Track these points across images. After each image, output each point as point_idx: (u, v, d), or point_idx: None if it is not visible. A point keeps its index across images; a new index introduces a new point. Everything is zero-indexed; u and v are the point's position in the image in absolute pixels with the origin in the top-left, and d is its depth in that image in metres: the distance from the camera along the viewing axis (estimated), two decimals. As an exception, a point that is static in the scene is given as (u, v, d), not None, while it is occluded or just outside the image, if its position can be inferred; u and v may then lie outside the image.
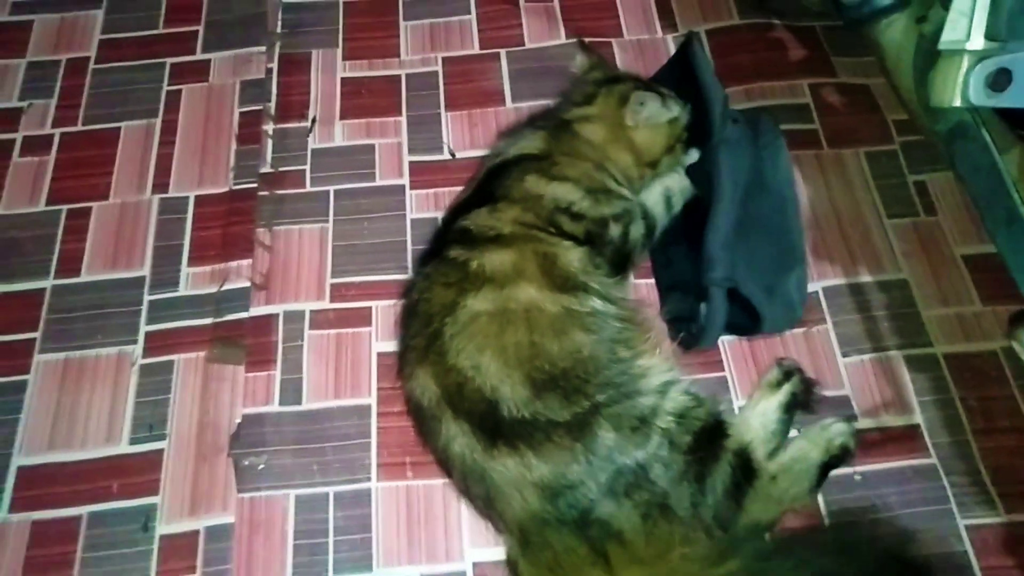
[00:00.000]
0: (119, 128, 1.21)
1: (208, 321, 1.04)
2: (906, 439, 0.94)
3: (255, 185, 1.15)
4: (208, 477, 0.94)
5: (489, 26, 1.29)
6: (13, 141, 1.20)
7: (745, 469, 0.81)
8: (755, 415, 0.89)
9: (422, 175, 1.15)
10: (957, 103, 0.74)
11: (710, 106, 0.98)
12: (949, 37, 0.74)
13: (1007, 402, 0.95)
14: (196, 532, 0.91)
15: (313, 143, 1.19)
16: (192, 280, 1.08)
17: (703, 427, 0.81)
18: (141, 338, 1.03)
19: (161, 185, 1.16)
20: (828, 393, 0.96)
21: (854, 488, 0.90)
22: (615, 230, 0.94)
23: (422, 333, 0.85)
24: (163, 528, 0.91)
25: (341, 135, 1.20)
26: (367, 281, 1.07)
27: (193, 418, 0.98)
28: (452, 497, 0.90)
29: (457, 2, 1.32)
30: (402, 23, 1.31)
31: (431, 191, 1.14)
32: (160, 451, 0.96)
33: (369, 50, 1.28)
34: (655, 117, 0.97)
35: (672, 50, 1.23)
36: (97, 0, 1.34)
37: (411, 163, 1.17)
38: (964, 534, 0.88)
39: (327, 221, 1.12)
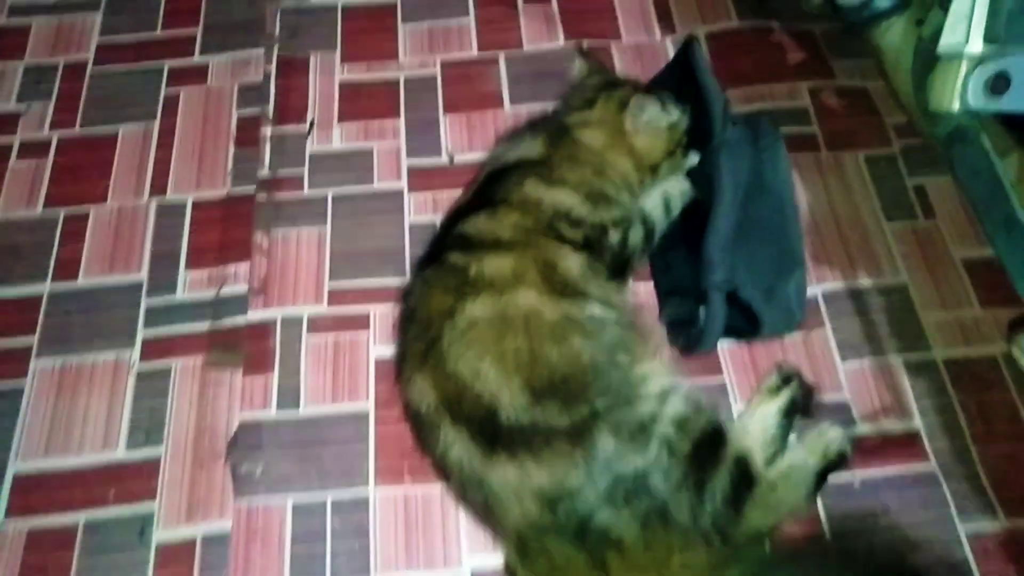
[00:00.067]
0: (117, 131, 1.21)
1: (206, 326, 1.04)
2: (905, 444, 0.93)
3: (253, 189, 1.14)
4: (205, 483, 0.94)
5: (487, 29, 1.29)
6: (10, 144, 1.20)
7: (744, 477, 0.81)
8: (754, 420, 0.89)
9: (420, 179, 1.15)
10: (956, 107, 0.74)
11: (710, 108, 0.97)
12: (948, 41, 0.73)
13: (1007, 407, 0.95)
14: (193, 539, 0.91)
15: (311, 147, 1.19)
16: (190, 285, 1.07)
17: (703, 435, 0.80)
18: (138, 343, 1.03)
19: (159, 189, 1.15)
20: (827, 398, 0.96)
21: (853, 494, 0.90)
22: (614, 236, 0.94)
23: (420, 339, 0.85)
24: (160, 535, 0.91)
25: (339, 139, 1.19)
26: (365, 286, 1.06)
27: (190, 424, 0.97)
28: (451, 503, 0.90)
29: (455, 5, 1.32)
30: (400, 26, 1.30)
31: (429, 195, 1.13)
32: (157, 457, 0.95)
33: (367, 53, 1.27)
34: (655, 122, 0.97)
35: (671, 53, 1.22)
36: (95, 3, 1.34)
37: (409, 167, 1.16)
38: (964, 540, 0.87)
39: (325, 225, 1.11)
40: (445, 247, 0.91)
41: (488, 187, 0.96)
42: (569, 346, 0.81)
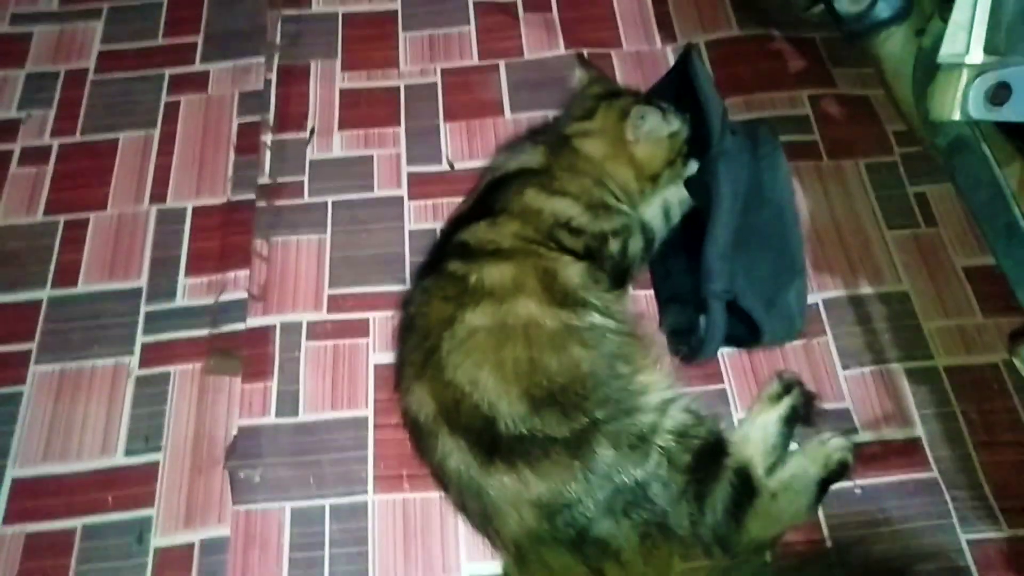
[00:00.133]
0: (117, 139, 1.21)
1: (205, 332, 1.04)
2: (907, 453, 0.93)
3: (253, 196, 1.14)
4: (204, 489, 0.93)
5: (488, 37, 1.29)
6: (11, 151, 1.20)
7: (745, 487, 0.80)
8: (755, 429, 0.88)
9: (420, 186, 1.15)
10: (956, 117, 0.74)
11: (709, 117, 0.97)
12: (948, 50, 0.73)
13: (1009, 415, 0.95)
14: (191, 545, 0.90)
15: (311, 154, 1.19)
16: (189, 291, 1.07)
17: (703, 446, 0.80)
18: (137, 349, 1.03)
19: (159, 196, 1.16)
20: (828, 406, 0.96)
21: (855, 502, 0.90)
22: (614, 245, 0.94)
23: (419, 347, 0.85)
24: (158, 541, 0.91)
25: (339, 146, 1.20)
26: (365, 293, 1.06)
27: (189, 430, 0.97)
28: (449, 511, 0.90)
29: (456, 13, 1.32)
30: (401, 34, 1.31)
31: (429, 202, 1.13)
32: (156, 463, 0.95)
33: (368, 61, 1.28)
34: (656, 131, 0.97)
35: (671, 61, 1.22)
36: (97, 11, 1.34)
37: (410, 174, 1.16)
38: (966, 549, 0.87)
39: (325, 232, 1.11)
40: (445, 255, 0.91)
41: (489, 196, 0.96)
42: (569, 356, 0.81)
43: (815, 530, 0.88)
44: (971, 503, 0.89)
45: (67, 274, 1.09)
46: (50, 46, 1.31)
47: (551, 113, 1.06)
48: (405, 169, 1.17)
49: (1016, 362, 0.74)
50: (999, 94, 0.70)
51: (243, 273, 1.08)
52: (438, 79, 1.26)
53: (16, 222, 1.14)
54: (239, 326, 1.04)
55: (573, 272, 0.88)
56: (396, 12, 1.33)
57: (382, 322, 1.03)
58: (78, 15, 1.34)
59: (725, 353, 1.00)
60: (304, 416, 0.98)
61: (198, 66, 1.28)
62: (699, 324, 0.92)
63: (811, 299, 1.02)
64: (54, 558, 0.90)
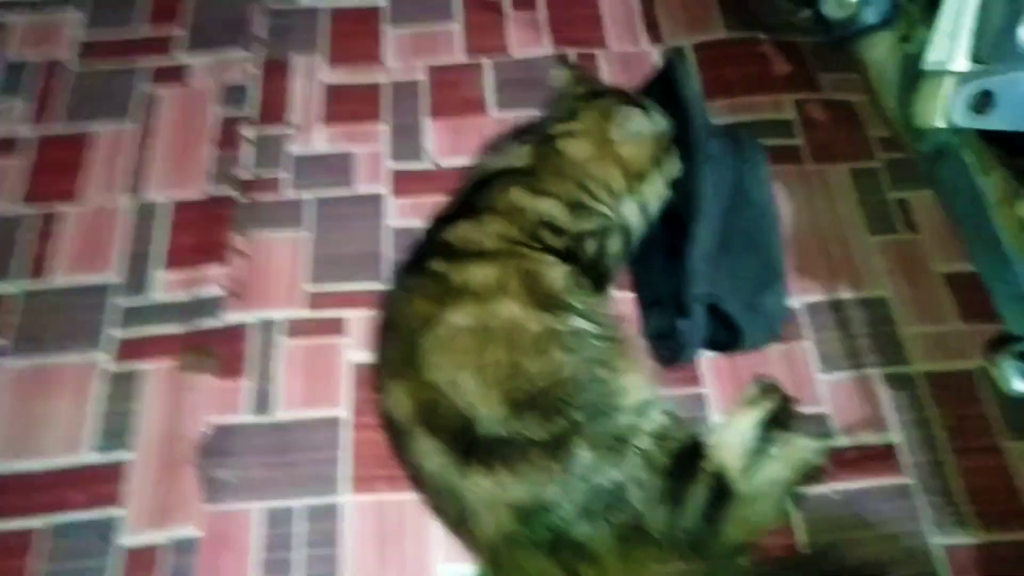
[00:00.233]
0: (96, 130, 1.19)
1: (180, 328, 1.02)
2: (883, 458, 0.93)
3: (233, 190, 1.13)
4: (175, 488, 0.92)
5: (474, 35, 1.28)
6: (-13, 141, 1.18)
7: (722, 491, 0.80)
8: (732, 433, 0.88)
9: (403, 183, 1.14)
10: (940, 124, 0.75)
11: (692, 121, 0.97)
12: (933, 57, 0.74)
13: (984, 422, 0.95)
14: (162, 544, 0.89)
15: (293, 149, 1.18)
16: (166, 286, 1.06)
17: (681, 448, 0.80)
18: (112, 344, 1.01)
19: (137, 189, 1.14)
20: (806, 410, 0.95)
21: (832, 507, 0.90)
22: (591, 245, 0.93)
23: (398, 347, 0.84)
24: (127, 540, 0.89)
25: (322, 142, 1.18)
26: (344, 290, 1.05)
27: (161, 428, 0.95)
28: (426, 512, 0.89)
29: (442, 10, 1.31)
30: (386, 30, 1.30)
31: (412, 200, 1.12)
32: (126, 461, 0.93)
33: (352, 56, 1.27)
34: (641, 131, 0.97)
35: (658, 62, 1.22)
36: (78, 1, 1.32)
37: (393, 172, 1.15)
38: (940, 554, 0.87)
39: (305, 229, 1.10)
40: (428, 254, 0.90)
41: (473, 195, 0.95)
42: (550, 360, 0.81)
43: (792, 534, 0.88)
44: (947, 508, 0.90)
45: (42, 267, 1.07)
46: (28, 35, 1.29)
47: (537, 112, 1.06)
48: (389, 166, 1.16)
49: (992, 371, 0.74)
50: (983, 102, 0.71)
51: (221, 269, 1.06)
52: (424, 76, 1.25)
53: (-10, 213, 1.12)
54: (215, 322, 1.02)
55: (557, 275, 0.87)
56: (382, 7, 1.32)
57: (361, 321, 1.02)
58: (58, 3, 1.32)
59: (704, 356, 1.00)
60: (279, 415, 0.96)
61: (180, 58, 1.26)
62: (679, 328, 0.92)
63: (792, 304, 1.02)
64: (19, 559, 0.88)
